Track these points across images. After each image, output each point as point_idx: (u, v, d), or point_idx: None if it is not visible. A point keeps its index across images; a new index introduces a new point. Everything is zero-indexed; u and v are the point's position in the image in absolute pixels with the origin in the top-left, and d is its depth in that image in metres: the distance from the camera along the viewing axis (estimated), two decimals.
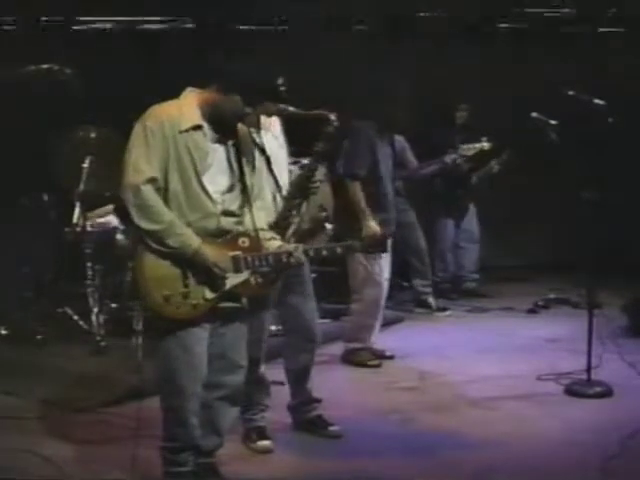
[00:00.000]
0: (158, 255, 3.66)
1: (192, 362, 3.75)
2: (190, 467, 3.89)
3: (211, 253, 3.69)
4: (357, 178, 5.81)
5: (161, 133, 3.65)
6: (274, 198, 4.38)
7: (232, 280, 3.75)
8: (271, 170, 4.38)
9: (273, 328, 6.22)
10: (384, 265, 5.98)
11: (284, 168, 4.49)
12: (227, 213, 3.78)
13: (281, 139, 4.58)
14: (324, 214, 4.52)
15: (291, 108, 4.43)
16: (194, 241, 3.66)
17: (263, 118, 4.45)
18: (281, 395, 4.86)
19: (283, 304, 4.61)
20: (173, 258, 3.66)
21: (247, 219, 3.85)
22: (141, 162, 3.64)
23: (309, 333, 4.70)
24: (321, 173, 6.03)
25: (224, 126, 3.79)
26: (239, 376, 3.93)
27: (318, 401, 4.79)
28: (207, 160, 3.73)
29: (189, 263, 3.67)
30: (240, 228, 3.81)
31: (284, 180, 4.44)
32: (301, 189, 4.41)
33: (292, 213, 4.37)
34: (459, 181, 7.92)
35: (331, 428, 4.71)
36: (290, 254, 3.80)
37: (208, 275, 3.71)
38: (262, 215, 3.94)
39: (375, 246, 4.14)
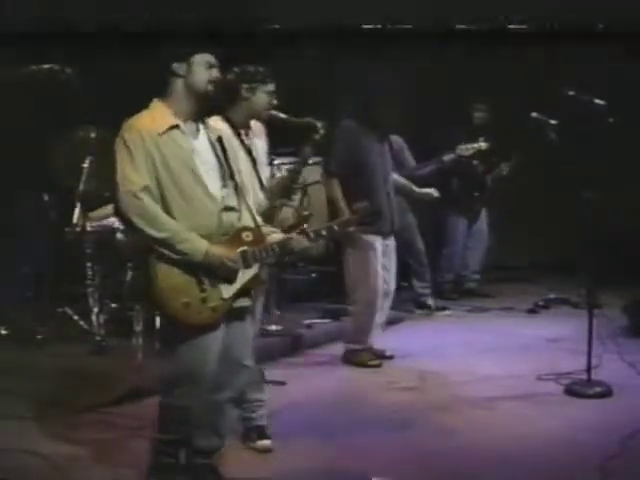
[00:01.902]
0: (170, 263, 3.65)
1: (209, 364, 3.75)
2: (179, 460, 3.88)
3: (220, 251, 3.69)
4: (332, 174, 5.88)
5: (141, 141, 3.66)
6: (258, 199, 4.46)
7: (244, 276, 3.76)
8: (256, 171, 4.48)
9: (273, 328, 6.28)
10: (379, 266, 5.97)
11: (265, 170, 4.61)
12: (228, 208, 3.79)
13: (265, 142, 4.69)
14: (306, 214, 4.58)
15: (282, 115, 4.57)
16: (202, 244, 3.66)
17: (253, 123, 4.56)
18: (284, 394, 4.87)
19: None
20: (185, 264, 3.65)
21: (245, 214, 3.87)
22: (130, 173, 3.64)
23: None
24: (317, 174, 6.10)
25: (198, 102, 3.79)
26: (244, 376, 3.94)
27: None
28: (194, 156, 3.74)
29: (201, 267, 3.67)
30: (241, 223, 3.83)
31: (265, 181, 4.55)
32: (284, 191, 4.54)
33: (274, 213, 4.46)
34: (475, 183, 7.92)
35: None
36: (292, 239, 3.86)
37: (223, 274, 3.70)
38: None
39: (368, 217, 4.19)
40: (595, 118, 5.45)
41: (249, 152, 4.47)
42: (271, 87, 4.51)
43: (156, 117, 3.75)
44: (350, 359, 6.08)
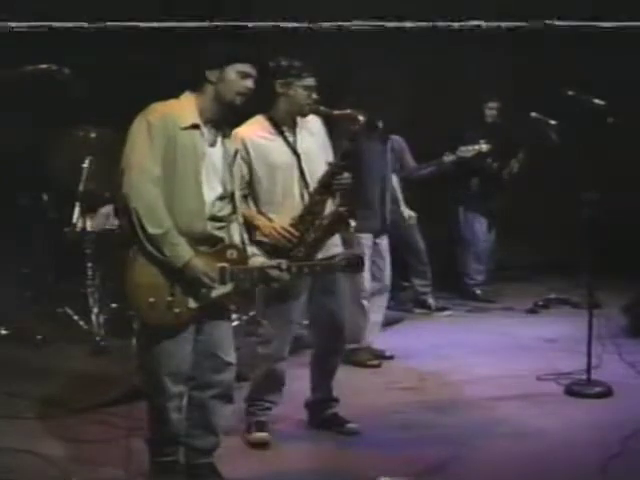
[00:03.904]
0: (149, 262, 3.66)
1: (174, 364, 3.78)
2: (175, 457, 3.93)
3: (201, 265, 3.69)
4: None
5: (163, 128, 3.64)
6: (301, 195, 4.43)
7: (216, 291, 3.78)
8: (301, 168, 4.43)
9: None
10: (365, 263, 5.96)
11: (319, 164, 4.50)
12: (214, 218, 3.79)
13: (320, 136, 4.61)
14: (345, 209, 4.54)
15: (322, 107, 4.50)
16: (187, 253, 3.66)
17: (299, 118, 4.51)
18: (286, 392, 4.87)
19: (314, 303, 4.63)
20: (163, 266, 3.66)
21: (233, 228, 3.89)
22: (146, 159, 3.62)
23: (337, 332, 4.69)
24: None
25: (225, 109, 3.77)
26: (229, 373, 3.94)
27: (336, 400, 4.81)
28: (204, 161, 3.73)
29: (178, 273, 3.68)
30: (223, 234, 3.83)
31: (317, 177, 4.47)
32: (325, 186, 4.45)
33: (316, 209, 4.42)
34: (494, 182, 7.90)
35: (349, 425, 4.73)
36: (274, 268, 3.88)
37: (195, 285, 3.72)
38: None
39: (352, 266, 4.21)
40: (595, 118, 5.45)
41: (294, 150, 4.45)
42: (309, 81, 4.43)
43: (183, 109, 3.73)
44: (349, 359, 6.06)
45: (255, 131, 4.41)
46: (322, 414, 4.77)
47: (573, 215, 5.38)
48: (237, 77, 3.73)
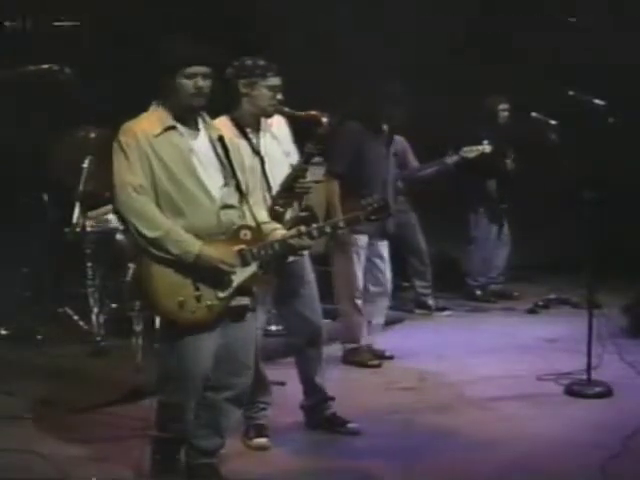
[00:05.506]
0: (164, 263, 3.67)
1: (201, 363, 3.78)
2: (177, 457, 3.93)
3: (215, 252, 3.70)
4: (333, 175, 5.82)
5: (136, 144, 3.70)
6: (264, 198, 4.40)
7: (241, 275, 3.75)
8: (264, 171, 4.41)
9: (273, 328, 6.27)
10: (360, 264, 5.96)
11: (282, 168, 4.49)
12: (227, 207, 3.79)
13: (283, 140, 4.59)
14: (305, 214, 4.53)
15: (285, 109, 4.48)
16: (194, 246, 3.67)
17: (262, 119, 4.48)
18: (284, 394, 4.88)
19: (286, 306, 4.62)
20: (179, 264, 3.67)
21: (247, 213, 3.88)
22: (125, 174, 3.69)
23: (313, 335, 4.68)
24: (320, 173, 6.05)
25: (190, 111, 3.79)
26: (247, 377, 3.94)
27: (332, 399, 4.80)
28: (193, 156, 3.76)
29: (195, 268, 3.68)
30: (242, 221, 3.82)
31: (279, 180, 4.46)
32: (287, 188, 4.44)
33: (278, 211, 4.39)
34: (508, 184, 7.89)
35: (349, 425, 4.73)
36: (295, 237, 3.83)
37: (216, 274, 3.71)
38: (259, 209, 3.98)
39: (377, 213, 4.10)
40: (595, 118, 5.45)
41: (257, 152, 4.41)
42: (274, 81, 4.39)
43: (153, 120, 3.79)
44: (350, 359, 6.07)
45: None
46: (321, 415, 4.76)
47: (573, 215, 5.38)
48: (186, 80, 3.75)
